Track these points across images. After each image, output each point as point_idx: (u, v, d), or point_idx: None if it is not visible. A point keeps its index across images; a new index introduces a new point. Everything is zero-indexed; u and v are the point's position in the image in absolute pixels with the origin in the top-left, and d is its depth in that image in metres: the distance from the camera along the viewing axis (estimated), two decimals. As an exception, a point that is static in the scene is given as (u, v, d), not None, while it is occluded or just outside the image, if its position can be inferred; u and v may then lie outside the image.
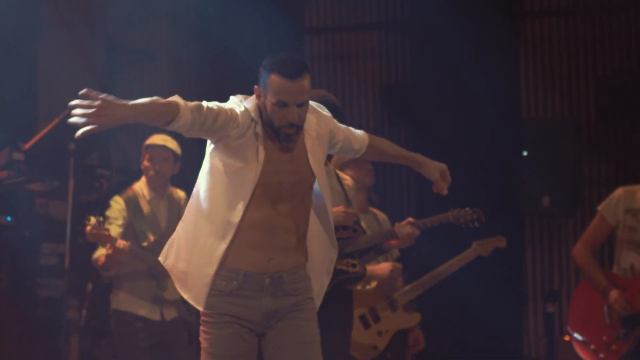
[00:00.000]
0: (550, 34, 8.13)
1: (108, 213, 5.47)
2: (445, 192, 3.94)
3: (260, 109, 3.51)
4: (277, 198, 3.53)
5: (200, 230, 3.53)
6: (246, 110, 3.50)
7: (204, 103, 3.40)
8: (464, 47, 7.64)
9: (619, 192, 5.33)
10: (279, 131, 3.48)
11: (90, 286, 6.52)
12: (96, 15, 8.22)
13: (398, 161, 4.04)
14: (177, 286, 3.60)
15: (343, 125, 3.82)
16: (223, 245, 3.49)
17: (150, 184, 5.62)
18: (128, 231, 5.48)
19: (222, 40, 7.63)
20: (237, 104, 3.53)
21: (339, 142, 3.77)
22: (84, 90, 3.15)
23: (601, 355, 5.20)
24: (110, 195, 5.72)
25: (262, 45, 6.95)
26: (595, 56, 8.04)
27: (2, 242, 6.43)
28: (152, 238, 5.50)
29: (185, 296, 3.58)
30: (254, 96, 3.55)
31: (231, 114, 3.44)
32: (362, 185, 5.55)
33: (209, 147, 3.56)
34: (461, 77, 7.76)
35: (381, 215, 5.75)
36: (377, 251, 4.99)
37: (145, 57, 8.44)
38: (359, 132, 3.88)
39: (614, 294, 5.21)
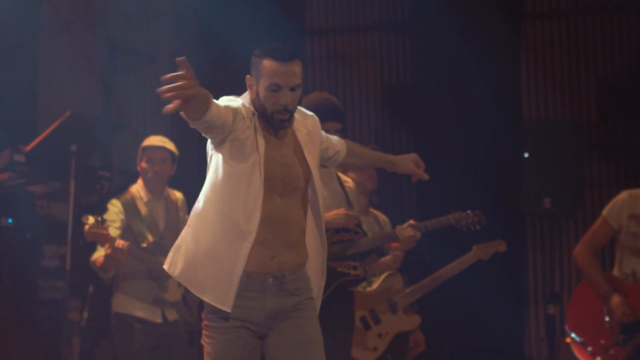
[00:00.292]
0: (551, 35, 8.12)
1: (106, 216, 5.45)
2: (425, 177, 3.96)
3: (254, 102, 3.55)
4: (282, 192, 3.55)
5: (216, 233, 3.51)
6: (243, 104, 3.55)
7: None
8: (465, 48, 7.63)
9: (624, 196, 5.27)
10: (273, 117, 3.52)
11: (91, 288, 6.52)
12: (96, 16, 8.23)
13: (374, 165, 4.07)
14: (195, 292, 3.55)
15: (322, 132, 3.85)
16: (247, 245, 3.48)
17: (148, 185, 5.61)
18: (126, 233, 5.47)
19: (223, 41, 7.61)
20: (231, 100, 3.57)
21: (323, 143, 3.80)
22: (182, 58, 3.17)
23: (598, 358, 5.15)
24: (110, 197, 5.71)
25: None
26: (596, 56, 8.02)
27: (3, 243, 6.43)
28: (150, 239, 5.49)
29: (207, 299, 3.53)
30: (246, 93, 3.59)
31: (234, 107, 3.48)
32: (364, 189, 5.56)
33: (212, 156, 3.57)
34: (462, 78, 7.76)
35: (382, 217, 5.76)
36: (378, 253, 4.99)
37: (146, 58, 8.44)
38: (336, 138, 3.91)
39: (615, 299, 5.14)
